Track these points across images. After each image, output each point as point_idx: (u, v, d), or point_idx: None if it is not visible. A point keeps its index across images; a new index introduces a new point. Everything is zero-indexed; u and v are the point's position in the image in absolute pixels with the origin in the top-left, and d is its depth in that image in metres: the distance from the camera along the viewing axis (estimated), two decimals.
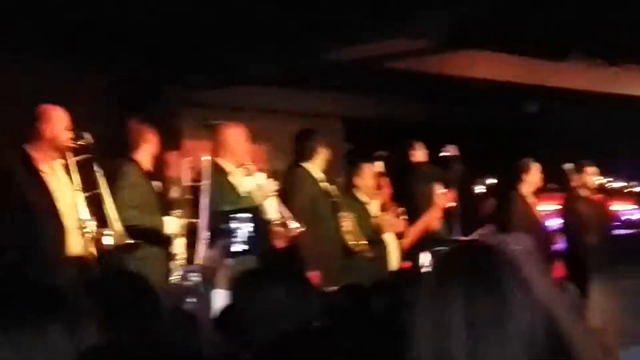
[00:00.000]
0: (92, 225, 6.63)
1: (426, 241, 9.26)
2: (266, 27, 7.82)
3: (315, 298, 3.74)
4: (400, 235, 9.31)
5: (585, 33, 7.99)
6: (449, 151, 10.17)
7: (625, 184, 15.34)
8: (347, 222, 8.52)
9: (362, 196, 9.11)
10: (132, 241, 6.80)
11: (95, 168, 6.82)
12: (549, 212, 11.64)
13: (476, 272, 2.22)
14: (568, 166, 10.98)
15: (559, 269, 9.64)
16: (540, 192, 10.81)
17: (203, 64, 8.52)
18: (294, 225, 7.73)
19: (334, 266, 8.16)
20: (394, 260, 9.12)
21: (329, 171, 8.58)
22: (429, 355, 2.17)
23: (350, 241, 8.55)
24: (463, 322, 2.15)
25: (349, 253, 8.52)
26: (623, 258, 2.97)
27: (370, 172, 9.09)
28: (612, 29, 8.11)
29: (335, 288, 5.36)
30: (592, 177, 10.98)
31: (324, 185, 8.46)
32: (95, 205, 6.68)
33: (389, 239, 9.15)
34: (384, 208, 9.24)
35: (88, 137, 6.75)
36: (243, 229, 6.41)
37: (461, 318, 2.16)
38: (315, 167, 8.46)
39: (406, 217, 9.41)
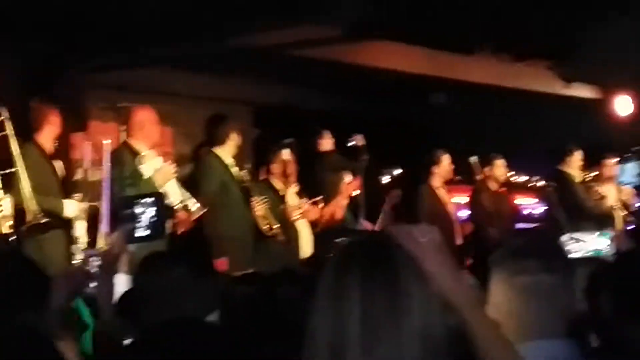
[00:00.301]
0: (6, 204, 6.52)
1: (332, 231, 9.30)
2: (172, 9, 7.72)
3: (217, 284, 3.71)
4: (314, 223, 9.34)
5: (492, 28, 8.08)
6: (356, 141, 10.24)
7: (528, 178, 15.60)
8: (260, 207, 8.50)
9: (277, 183, 9.12)
10: (47, 220, 6.72)
11: (13, 145, 6.70)
12: (461, 204, 11.80)
13: (374, 265, 2.20)
14: (474, 159, 11.13)
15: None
16: (450, 184, 10.96)
17: (109, 44, 8.37)
18: (195, 207, 7.68)
19: (244, 251, 8.16)
20: (306, 248, 9.14)
21: (239, 157, 8.56)
22: (325, 349, 2.15)
23: (263, 225, 8.54)
24: (359, 315, 2.13)
25: (261, 237, 8.51)
26: (524, 252, 2.99)
27: (287, 159, 9.11)
28: (518, 26, 8.23)
29: (241, 273, 5.33)
30: (502, 170, 11.17)
31: (235, 170, 8.42)
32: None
33: (302, 226, 9.16)
34: (300, 195, 9.27)
35: (5, 113, 6.64)
36: (146, 213, 6.31)
37: (357, 311, 2.14)
38: (226, 152, 8.42)
39: (322, 205, 9.46)
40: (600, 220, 11.14)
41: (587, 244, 4.41)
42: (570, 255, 4.47)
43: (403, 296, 2.16)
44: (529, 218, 14.81)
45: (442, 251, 2.49)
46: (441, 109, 12.24)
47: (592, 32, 9.02)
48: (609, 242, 4.43)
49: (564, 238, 4.39)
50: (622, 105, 11.43)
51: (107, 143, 7.26)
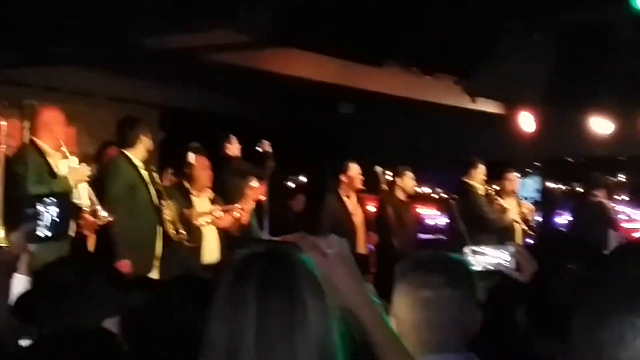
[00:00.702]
0: None
1: (236, 238, 9.28)
2: (80, 7, 7.60)
3: (118, 288, 3.65)
4: (225, 230, 9.29)
5: (401, 42, 8.17)
6: (263, 147, 10.23)
7: (432, 189, 15.81)
8: (168, 211, 8.43)
9: (191, 188, 9.06)
10: None
11: None
12: (371, 213, 11.87)
13: (271, 275, 2.20)
14: (379, 169, 11.23)
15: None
16: (360, 193, 11.01)
17: (16, 41, 8.21)
18: (103, 214, 7.59)
19: (148, 255, 8.07)
20: (211, 253, 9.08)
21: (150, 160, 8.47)
22: (220, 357, 2.14)
23: (170, 230, 8.46)
24: (254, 325, 2.13)
25: (168, 242, 8.44)
26: (428, 266, 3.01)
27: (202, 164, 9.05)
28: (427, 40, 8.33)
29: (138, 278, 5.28)
30: (410, 181, 11.30)
31: (144, 173, 8.33)
32: None
33: (208, 231, 9.10)
34: (213, 201, 9.22)
35: None
36: (49, 213, 6.19)
37: (253, 321, 2.13)
38: (136, 155, 8.32)
39: (239, 213, 9.42)
40: (501, 233, 11.35)
41: (487, 258, 4.45)
42: (472, 268, 4.53)
43: (299, 307, 2.16)
44: (432, 229, 15.00)
45: (349, 264, 2.49)
46: (350, 119, 12.33)
47: (497, 49, 9.19)
48: (509, 256, 4.48)
49: (465, 251, 4.43)
50: (525, 121, 11.65)
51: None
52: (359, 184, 10.69)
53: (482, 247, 4.67)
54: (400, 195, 11.20)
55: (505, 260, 4.52)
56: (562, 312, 3.37)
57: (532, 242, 11.13)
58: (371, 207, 11.45)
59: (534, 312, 3.43)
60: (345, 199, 10.60)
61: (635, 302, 1.57)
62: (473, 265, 4.53)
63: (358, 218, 10.69)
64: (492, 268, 4.50)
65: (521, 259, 4.55)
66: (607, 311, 1.60)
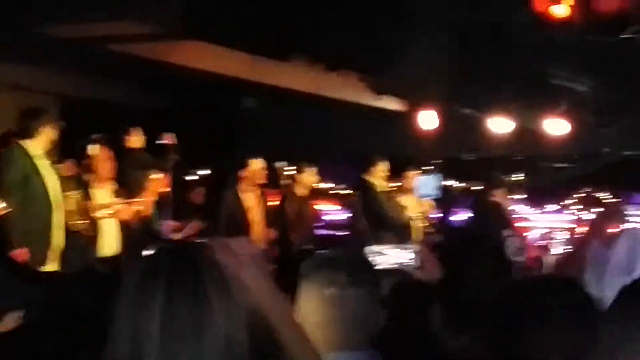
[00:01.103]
0: None
1: (137, 230, 9.20)
2: None
3: (18, 281, 3.59)
4: (126, 222, 9.19)
5: (307, 37, 8.19)
6: (166, 139, 10.15)
7: (333, 185, 15.88)
8: (68, 202, 8.30)
9: (92, 179, 8.93)
10: None
11: None
12: (272, 208, 11.84)
13: (178, 275, 2.20)
14: (280, 164, 11.25)
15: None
16: (262, 187, 10.98)
17: None
18: (1, 205, 7.46)
19: (44, 245, 7.95)
20: (110, 246, 8.96)
21: (53, 150, 8.33)
22: (125, 355, 2.13)
23: (70, 221, 8.34)
24: (160, 324, 2.13)
25: (68, 233, 8.31)
26: (333, 264, 3.04)
27: (104, 156, 8.94)
28: (332, 37, 8.37)
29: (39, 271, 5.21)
30: (311, 177, 11.31)
31: (42, 163, 8.18)
32: None
33: (108, 224, 8.99)
34: (116, 193, 9.11)
35: None
36: None
37: (158, 320, 2.13)
38: (35, 145, 8.16)
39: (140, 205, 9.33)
40: (400, 230, 11.49)
41: (391, 258, 4.52)
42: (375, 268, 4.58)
43: (206, 307, 2.16)
44: (332, 225, 15.07)
45: (260, 265, 2.51)
46: (253, 113, 12.31)
47: (401, 48, 9.28)
48: (412, 255, 4.55)
49: (369, 250, 4.48)
50: (426, 119, 11.79)
51: None
52: (260, 179, 10.65)
53: (385, 246, 4.73)
54: (301, 191, 11.21)
55: (409, 259, 4.59)
56: (475, 310, 3.48)
57: (440, 240, 11.26)
58: (273, 202, 11.45)
59: (447, 310, 3.50)
60: (244, 194, 10.55)
61: None
62: (377, 264, 4.59)
63: (257, 213, 10.65)
64: (395, 267, 4.56)
65: (424, 258, 4.63)
66: None
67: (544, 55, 9.91)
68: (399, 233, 11.48)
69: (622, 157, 14.09)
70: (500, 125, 11.64)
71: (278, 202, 11.26)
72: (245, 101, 12.72)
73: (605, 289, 3.19)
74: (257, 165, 10.57)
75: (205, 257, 2.27)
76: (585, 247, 3.71)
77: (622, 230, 3.48)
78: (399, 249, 4.63)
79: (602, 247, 3.82)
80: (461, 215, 16.17)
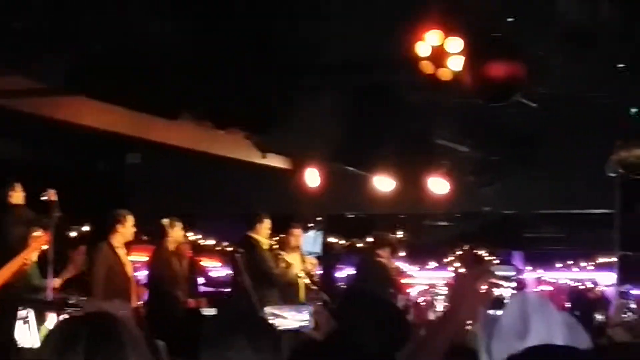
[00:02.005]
0: None
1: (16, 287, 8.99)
2: None
3: None
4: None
5: (194, 96, 8.18)
6: (49, 195, 9.95)
7: (217, 241, 15.85)
8: None
9: None
10: None
11: None
12: (139, 263, 11.74)
13: (98, 342, 2.20)
14: (165, 220, 11.15)
15: None
16: (132, 244, 10.86)
17: None
18: None
19: None
20: None
21: None
22: None
23: None
24: None
25: None
26: (232, 328, 3.03)
27: None
28: (219, 95, 8.38)
29: None
30: (179, 232, 11.24)
31: None
32: None
33: None
34: None
35: None
36: None
37: None
38: None
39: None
40: (286, 288, 11.49)
41: (287, 321, 4.55)
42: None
43: None
44: (215, 282, 15.02)
45: (132, 326, 2.51)
46: (138, 169, 12.20)
47: (286, 108, 9.36)
48: (307, 317, 4.59)
49: (266, 313, 4.51)
50: (310, 177, 11.88)
51: None
52: (132, 236, 10.54)
53: (282, 308, 4.77)
54: (172, 246, 11.14)
55: (304, 320, 4.63)
56: None
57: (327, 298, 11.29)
58: (144, 257, 11.40)
59: None
60: (118, 249, 10.41)
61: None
62: (275, 326, 4.61)
63: (129, 269, 10.55)
64: (292, 328, 4.60)
65: (319, 318, 4.67)
66: None
67: (427, 116, 10.13)
68: (285, 291, 11.49)
69: (501, 216, 14.45)
70: (383, 183, 11.82)
71: (151, 257, 11.19)
72: (130, 157, 12.60)
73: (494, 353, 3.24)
74: (130, 221, 10.46)
75: (121, 322, 2.27)
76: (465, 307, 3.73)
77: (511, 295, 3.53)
78: (294, 311, 4.68)
79: (486, 311, 3.86)
80: (344, 272, 16.34)
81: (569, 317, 3.32)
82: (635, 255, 11.64)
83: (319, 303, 7.92)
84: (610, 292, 11.00)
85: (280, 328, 4.45)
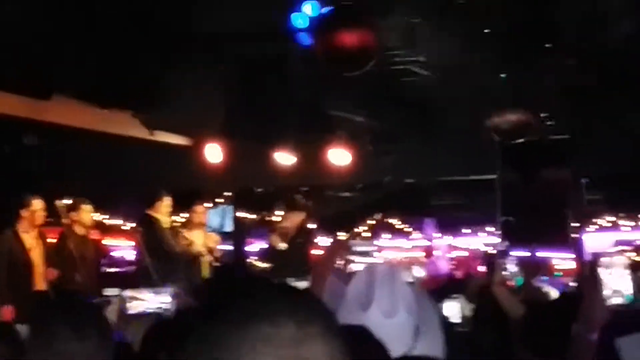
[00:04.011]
0: None
1: None
2: None
3: None
4: None
5: (75, 75, 8.00)
6: None
7: (121, 221, 15.63)
8: None
9: None
10: None
11: None
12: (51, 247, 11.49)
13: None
14: (61, 202, 10.94)
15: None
16: (40, 227, 10.63)
17: None
18: None
19: None
20: None
21: None
22: None
23: None
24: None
25: None
26: (53, 318, 2.94)
27: None
28: (101, 74, 8.22)
29: None
30: (88, 214, 11.04)
31: None
32: None
33: None
34: None
35: None
36: None
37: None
38: None
39: None
40: (188, 266, 11.40)
41: (146, 303, 4.47)
42: (130, 312, 4.52)
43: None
44: (120, 262, 14.84)
45: None
46: (34, 151, 11.94)
47: (176, 83, 9.21)
48: (168, 299, 4.51)
49: (123, 296, 4.43)
50: (211, 152, 11.73)
51: None
52: (40, 220, 10.37)
53: (141, 291, 4.68)
54: (79, 229, 10.94)
55: (165, 303, 4.55)
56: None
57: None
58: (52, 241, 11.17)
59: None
60: (24, 234, 10.24)
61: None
62: (132, 309, 4.53)
63: (37, 254, 10.36)
64: (151, 311, 4.51)
65: (179, 301, 4.60)
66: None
67: (320, 86, 10.06)
68: (187, 268, 11.40)
69: (404, 185, 14.49)
70: (284, 157, 11.74)
71: (56, 241, 10.98)
72: (27, 139, 12.32)
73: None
74: (36, 205, 10.29)
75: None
76: (321, 281, 3.72)
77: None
78: (153, 293, 4.59)
79: (338, 281, 3.84)
80: (255, 245, 16.25)
81: (417, 290, 3.29)
82: (514, 222, 11.80)
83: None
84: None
85: (137, 310, 4.37)
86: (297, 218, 12.70)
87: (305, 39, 7.21)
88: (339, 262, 3.52)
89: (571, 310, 3.62)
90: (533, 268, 8.50)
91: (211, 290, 4.69)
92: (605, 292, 3.36)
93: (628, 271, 3.39)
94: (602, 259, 3.38)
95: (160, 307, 4.48)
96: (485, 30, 7.38)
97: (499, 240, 12.04)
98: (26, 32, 7.03)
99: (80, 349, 2.85)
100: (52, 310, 2.98)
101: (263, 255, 12.17)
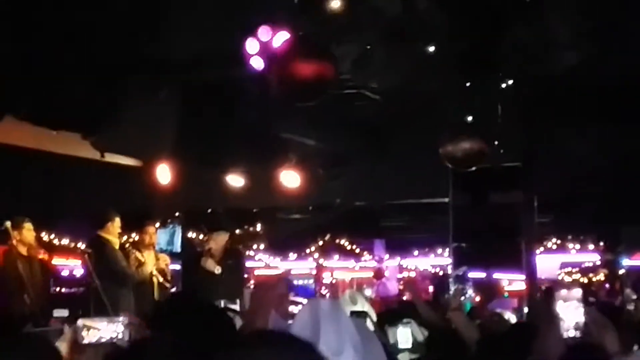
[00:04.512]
0: None
1: None
2: None
3: None
4: None
5: (24, 98, 7.92)
6: None
7: (69, 241, 15.51)
8: None
9: None
10: None
11: None
12: None
13: None
14: (8, 222, 10.82)
15: None
16: None
17: None
18: None
19: None
20: None
21: None
22: None
23: None
24: None
25: None
26: (4, 345, 2.93)
27: None
28: (52, 96, 8.15)
29: None
30: (30, 233, 10.93)
31: None
32: None
33: None
34: None
35: None
36: None
37: None
38: None
39: None
40: (139, 287, 11.31)
41: (101, 332, 4.41)
42: (85, 342, 4.46)
43: None
44: (70, 282, 14.71)
45: None
46: None
47: (124, 106, 9.17)
48: (121, 328, 4.46)
49: (78, 325, 4.36)
50: (162, 174, 11.66)
51: None
52: None
53: (94, 320, 4.61)
54: (23, 249, 10.84)
55: (118, 332, 4.48)
56: None
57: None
58: None
59: None
60: None
61: None
62: (84, 339, 4.46)
63: None
64: (104, 340, 4.44)
65: (133, 329, 4.54)
66: None
67: (270, 109, 10.07)
68: (138, 289, 11.30)
69: (354, 207, 14.54)
70: (234, 179, 11.72)
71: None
72: None
73: None
74: None
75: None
76: (259, 307, 3.68)
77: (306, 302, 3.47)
78: (107, 322, 4.52)
79: (280, 319, 3.82)
80: None
81: (362, 325, 3.29)
82: (467, 246, 11.88)
83: None
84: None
85: (93, 339, 4.32)
86: (221, 239, 12.18)
87: (258, 64, 7.21)
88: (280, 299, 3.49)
89: (525, 341, 3.66)
90: (490, 291, 8.59)
91: (165, 319, 4.64)
92: (562, 325, 3.39)
93: (581, 304, 3.42)
94: (558, 292, 3.41)
95: (115, 336, 4.41)
96: (436, 56, 7.46)
97: (452, 264, 12.11)
98: None
99: None
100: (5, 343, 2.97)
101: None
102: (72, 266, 15.97)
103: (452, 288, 10.14)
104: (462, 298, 6.35)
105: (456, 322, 6.16)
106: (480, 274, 10.40)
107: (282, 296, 3.64)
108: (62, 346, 4.37)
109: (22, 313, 10.31)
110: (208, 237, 12.31)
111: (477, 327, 6.11)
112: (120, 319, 4.63)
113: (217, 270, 11.67)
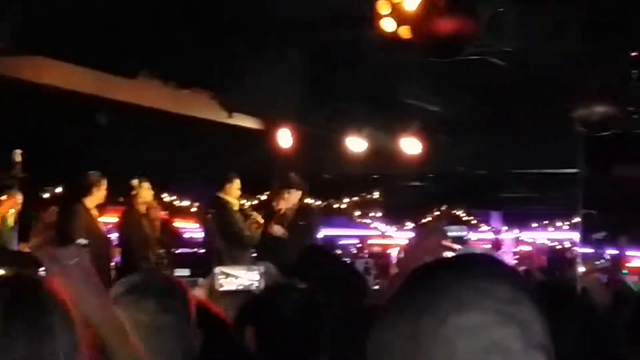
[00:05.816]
0: None
1: None
2: None
3: None
4: None
5: (156, 54, 8.04)
6: (14, 156, 9.90)
7: (190, 203, 15.75)
8: None
9: None
10: None
11: None
12: (111, 225, 11.68)
13: (16, 306, 2.09)
14: (134, 181, 11.07)
15: None
16: (105, 205, 10.80)
17: None
18: None
19: None
20: None
21: None
22: None
23: None
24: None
25: None
26: (141, 291, 2.99)
27: None
28: (182, 54, 8.27)
29: None
30: (148, 192, 11.17)
31: None
32: None
33: None
34: None
35: None
36: None
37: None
38: None
39: None
40: (258, 249, 11.42)
41: (239, 279, 4.48)
42: (222, 289, 4.53)
43: (47, 340, 2.05)
44: (190, 243, 14.96)
45: (90, 275, 2.49)
46: (105, 130, 12.05)
47: (252, 66, 9.23)
48: (257, 277, 4.52)
49: (216, 272, 4.43)
50: (283, 138, 11.73)
51: None
52: (103, 199, 10.49)
53: (233, 267, 4.68)
54: (142, 207, 11.07)
55: (255, 281, 4.54)
56: (287, 331, 3.46)
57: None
58: (114, 219, 11.41)
59: (260, 331, 3.48)
60: (91, 210, 10.35)
61: None
62: (222, 286, 4.54)
63: (104, 230, 10.56)
64: (242, 288, 4.51)
65: (269, 278, 4.59)
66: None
67: (395, 74, 10.00)
68: (257, 252, 11.40)
69: (475, 176, 14.38)
70: (354, 144, 11.69)
71: (119, 219, 11.18)
72: (99, 118, 12.43)
73: None
74: (104, 184, 10.40)
75: (45, 286, 2.16)
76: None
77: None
78: (245, 270, 4.59)
79: None
80: (322, 233, 16.29)
81: None
82: (599, 213, 11.62)
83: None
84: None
85: (230, 287, 4.39)
86: (293, 197, 11.51)
87: (389, 26, 7.14)
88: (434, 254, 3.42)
89: None
90: (620, 262, 8.43)
91: (300, 268, 4.67)
92: None
93: None
94: None
95: (251, 284, 4.48)
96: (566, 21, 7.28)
97: (578, 233, 11.89)
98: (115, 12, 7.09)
99: (166, 319, 2.91)
100: (139, 284, 3.03)
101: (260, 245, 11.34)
102: (191, 228, 16.24)
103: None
104: (598, 262, 6.23)
105: (589, 286, 6.09)
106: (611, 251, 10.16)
107: (437, 244, 3.60)
108: (199, 293, 4.44)
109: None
110: (278, 197, 11.60)
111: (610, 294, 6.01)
112: (258, 267, 4.69)
113: (284, 234, 11.23)
